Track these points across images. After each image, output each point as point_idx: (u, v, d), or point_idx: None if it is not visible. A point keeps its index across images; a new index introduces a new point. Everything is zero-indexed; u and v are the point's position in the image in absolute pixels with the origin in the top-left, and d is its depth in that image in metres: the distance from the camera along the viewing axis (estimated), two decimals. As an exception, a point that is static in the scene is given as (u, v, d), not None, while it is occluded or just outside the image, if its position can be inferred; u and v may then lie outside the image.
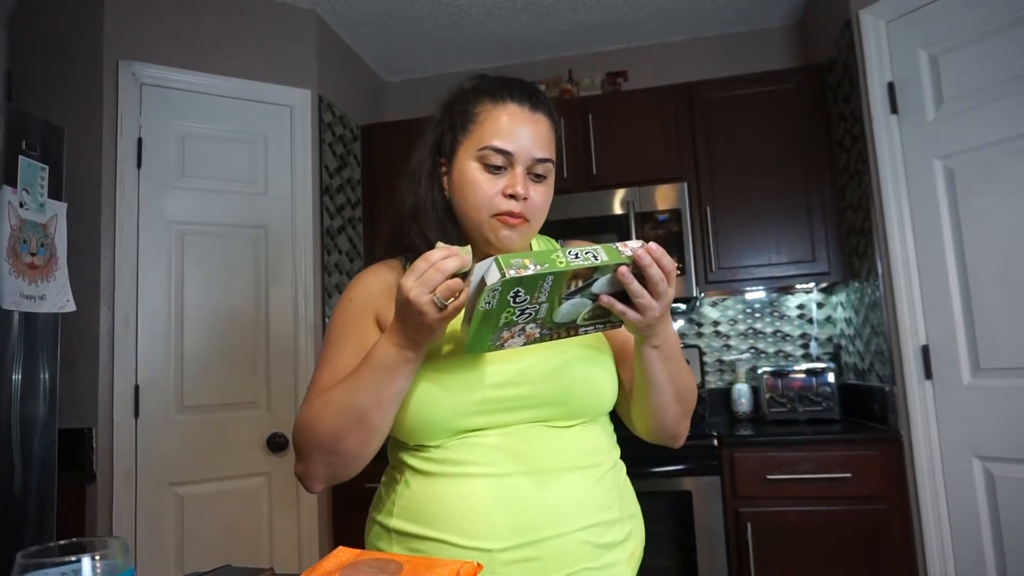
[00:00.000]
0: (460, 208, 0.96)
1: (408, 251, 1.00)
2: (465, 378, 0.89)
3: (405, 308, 0.78)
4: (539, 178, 0.95)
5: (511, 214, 0.92)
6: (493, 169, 0.93)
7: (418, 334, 0.81)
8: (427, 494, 0.89)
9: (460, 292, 0.77)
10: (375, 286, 0.98)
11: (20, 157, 1.70)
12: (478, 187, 0.93)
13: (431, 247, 0.81)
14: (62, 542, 0.53)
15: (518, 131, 0.93)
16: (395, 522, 0.91)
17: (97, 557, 0.53)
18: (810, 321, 2.84)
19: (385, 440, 0.92)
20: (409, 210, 0.99)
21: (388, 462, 1.00)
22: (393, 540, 0.91)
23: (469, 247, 0.80)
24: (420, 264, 0.77)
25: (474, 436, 0.89)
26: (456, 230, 0.98)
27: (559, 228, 2.85)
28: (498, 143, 0.92)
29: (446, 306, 0.76)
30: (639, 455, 2.24)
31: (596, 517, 0.89)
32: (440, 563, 0.69)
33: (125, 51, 2.26)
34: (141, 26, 2.30)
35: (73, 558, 0.52)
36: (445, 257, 0.76)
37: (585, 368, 0.93)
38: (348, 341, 0.94)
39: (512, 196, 0.92)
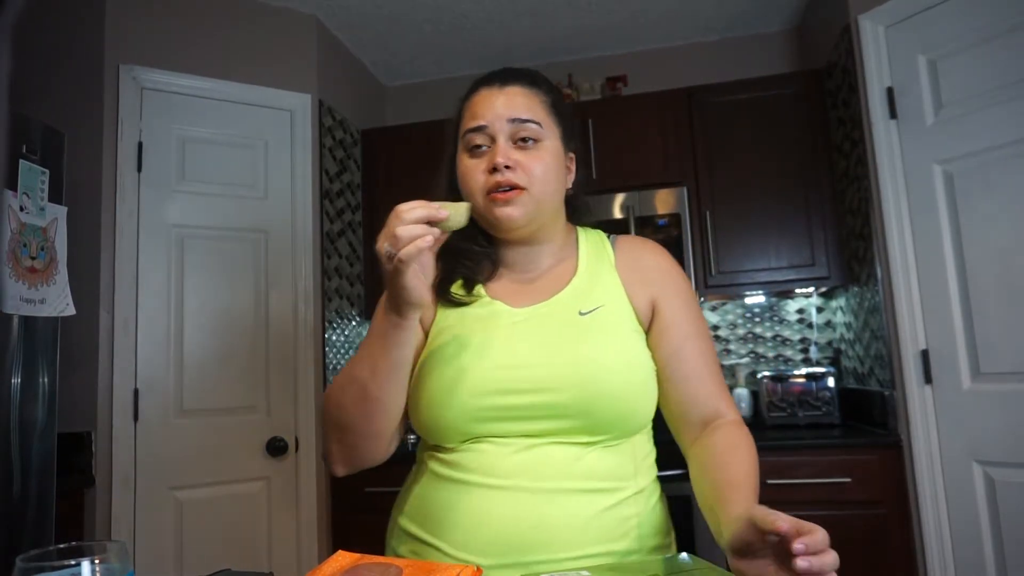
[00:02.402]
0: (466, 197, 0.95)
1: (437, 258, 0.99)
2: (479, 382, 0.85)
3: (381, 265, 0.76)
4: (526, 142, 0.91)
5: (498, 186, 0.88)
6: (477, 151, 0.92)
7: (392, 292, 0.77)
8: (432, 497, 0.87)
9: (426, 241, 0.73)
10: None
11: (20, 161, 1.70)
12: (467, 173, 0.92)
13: (456, 251, 0.92)
14: (61, 546, 0.53)
15: (489, 105, 0.93)
16: (404, 521, 0.91)
17: (96, 561, 0.53)
18: (810, 326, 2.84)
19: (404, 432, 0.94)
20: None
21: (415, 461, 0.98)
22: (402, 539, 0.90)
23: (466, 204, 0.81)
24: (390, 216, 0.75)
25: (490, 443, 0.85)
26: (478, 230, 0.96)
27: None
28: (472, 123, 0.93)
29: (394, 254, 0.73)
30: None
31: (602, 547, 0.82)
32: (440, 567, 0.69)
33: (126, 55, 2.26)
34: (142, 30, 2.30)
35: (72, 562, 0.52)
36: (412, 208, 0.74)
37: (618, 381, 0.85)
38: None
39: (495, 170, 0.89)
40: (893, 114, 2.13)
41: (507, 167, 0.88)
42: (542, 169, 0.91)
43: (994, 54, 1.88)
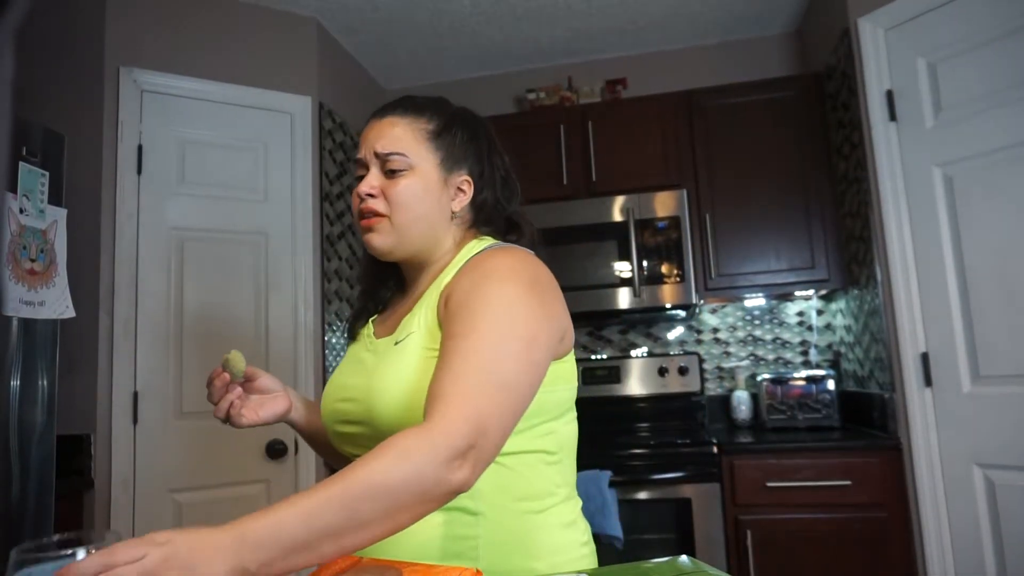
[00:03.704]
0: None
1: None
2: (329, 389, 1.00)
3: None
4: (393, 173, 0.95)
5: (361, 214, 0.96)
6: (359, 182, 0.98)
7: None
8: None
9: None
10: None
11: (21, 163, 1.70)
12: (353, 200, 0.99)
13: (364, 291, 1.09)
14: (57, 537, 0.53)
15: (365, 137, 0.99)
16: None
17: (93, 551, 0.53)
18: (809, 328, 2.84)
19: None
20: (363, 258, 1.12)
21: None
22: None
23: (236, 351, 1.03)
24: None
25: (352, 456, 0.95)
26: (390, 270, 1.08)
27: (560, 235, 2.85)
28: (356, 154, 1.00)
29: (224, 422, 1.02)
30: (639, 462, 2.24)
31: (446, 563, 0.81)
32: (440, 570, 0.69)
33: (126, 58, 2.27)
34: (142, 33, 2.31)
35: (69, 551, 0.52)
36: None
37: (393, 391, 0.85)
38: None
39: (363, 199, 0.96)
40: (893, 117, 2.13)
41: (369, 194, 0.95)
42: (404, 197, 0.94)
43: (993, 57, 1.89)
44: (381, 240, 0.95)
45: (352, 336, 1.08)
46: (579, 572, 0.79)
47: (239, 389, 1.02)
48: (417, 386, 0.84)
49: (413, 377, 0.85)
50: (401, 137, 0.96)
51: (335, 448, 1.03)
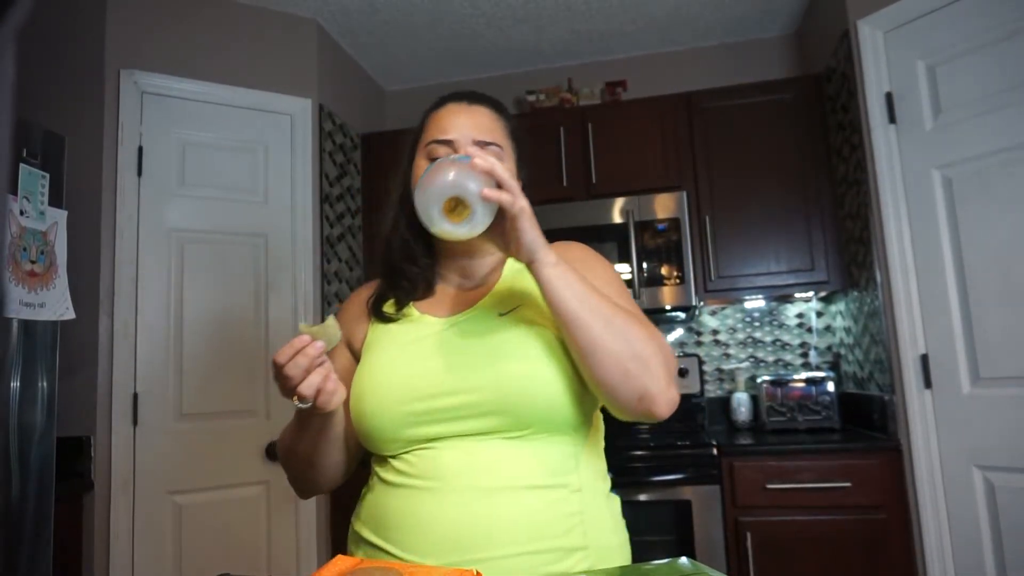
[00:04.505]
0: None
1: (382, 276, 1.05)
2: (403, 390, 0.89)
3: None
4: None
5: None
6: (416, 161, 0.99)
7: (314, 412, 0.86)
8: (381, 503, 0.90)
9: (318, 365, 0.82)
10: (351, 311, 1.06)
11: (21, 165, 1.70)
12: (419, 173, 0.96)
13: (397, 271, 0.99)
14: None
15: (456, 121, 0.97)
16: (359, 526, 0.94)
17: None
18: (809, 330, 2.84)
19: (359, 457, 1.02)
20: (385, 237, 1.05)
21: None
22: (359, 545, 0.93)
23: (331, 318, 0.86)
24: (274, 370, 0.82)
25: (430, 447, 0.88)
26: (422, 247, 1.01)
27: (560, 236, 2.85)
28: (439, 135, 0.96)
29: (306, 405, 0.82)
30: (639, 464, 2.24)
31: (545, 543, 0.83)
32: (440, 572, 0.69)
33: (126, 60, 2.27)
34: (142, 35, 2.31)
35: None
36: (295, 363, 0.80)
37: (530, 376, 0.86)
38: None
39: None
40: (892, 119, 2.13)
41: None
42: None
43: (993, 59, 1.89)
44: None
45: (378, 316, 1.00)
46: (580, 573, 0.80)
47: (328, 362, 0.84)
48: (549, 353, 0.87)
49: (546, 344, 0.88)
50: (495, 129, 0.99)
51: (346, 459, 0.99)
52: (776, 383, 2.53)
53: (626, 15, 2.80)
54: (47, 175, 1.79)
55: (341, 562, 0.73)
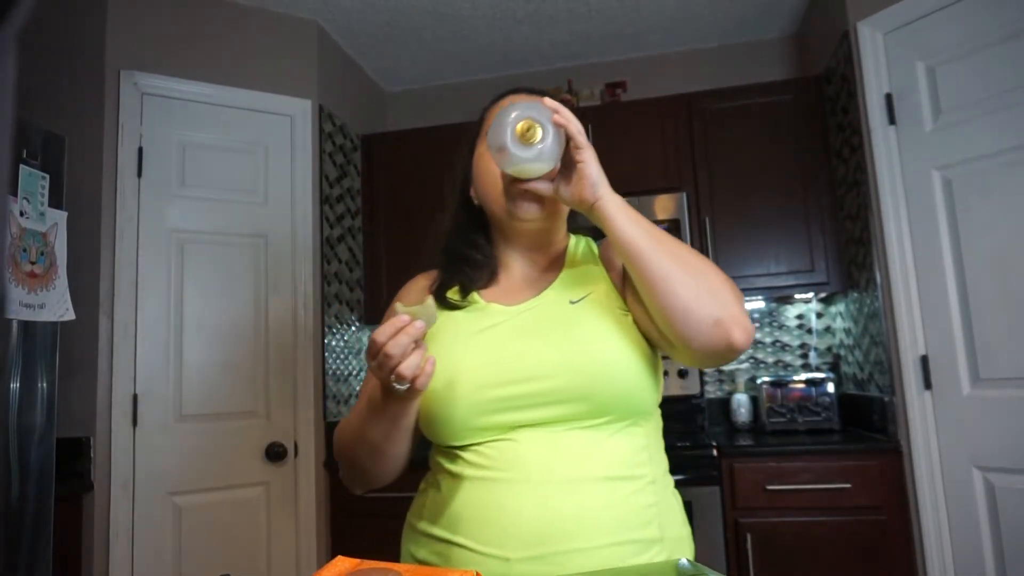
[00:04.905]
0: (483, 202, 1.00)
1: (445, 264, 1.05)
2: (480, 376, 0.87)
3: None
4: None
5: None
6: (473, 155, 0.99)
7: (403, 397, 0.83)
8: (454, 498, 0.88)
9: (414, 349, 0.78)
10: (409, 298, 1.05)
11: (21, 165, 1.71)
12: (489, 170, 0.96)
13: (461, 258, 1.00)
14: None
15: None
16: (424, 525, 0.92)
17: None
18: (809, 331, 2.84)
19: (414, 453, 0.97)
20: (449, 224, 1.06)
21: (429, 468, 1.00)
22: (421, 542, 0.92)
23: (430, 299, 0.82)
24: (373, 348, 0.78)
25: (504, 439, 0.86)
26: (483, 237, 1.03)
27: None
28: None
29: (404, 387, 0.78)
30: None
31: (627, 534, 0.83)
32: (440, 573, 0.69)
33: (127, 61, 2.27)
34: (143, 36, 2.31)
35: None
36: (395, 342, 0.76)
37: (610, 360, 0.86)
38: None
39: None
40: (892, 120, 2.14)
41: None
42: None
43: (992, 61, 1.89)
44: (536, 210, 0.94)
45: (443, 303, 0.99)
46: (582, 574, 0.80)
47: (425, 344, 0.80)
48: (627, 339, 0.88)
49: (623, 330, 0.89)
50: None
51: (409, 451, 0.95)
52: (776, 384, 2.53)
53: (626, 16, 2.80)
54: (47, 176, 1.79)
55: (341, 563, 0.73)
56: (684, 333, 0.82)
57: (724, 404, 2.84)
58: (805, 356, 2.84)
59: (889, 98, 2.14)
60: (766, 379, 2.55)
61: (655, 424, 0.95)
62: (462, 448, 0.89)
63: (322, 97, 2.67)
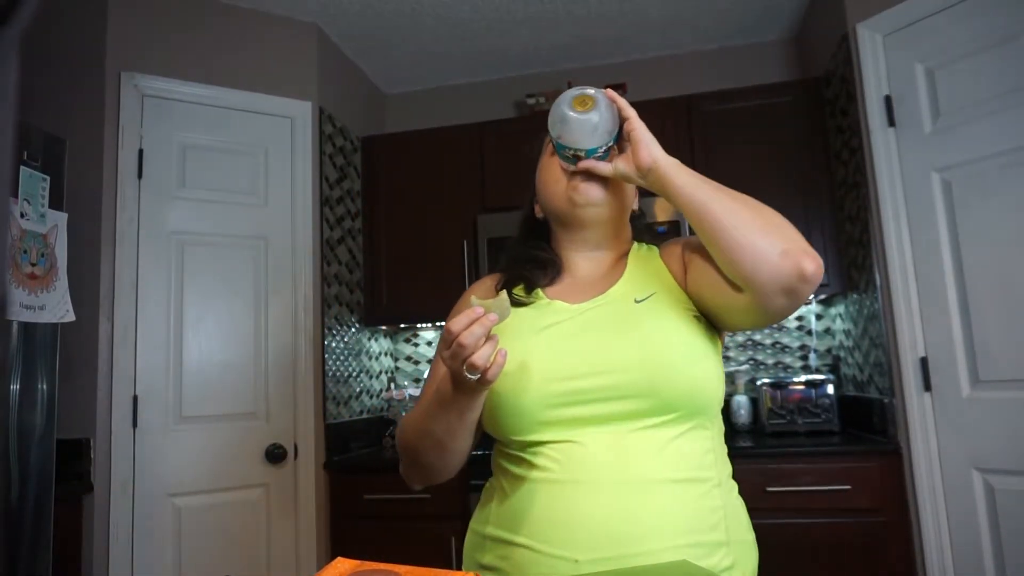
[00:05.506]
0: (547, 204, 1.03)
1: (510, 261, 1.09)
2: (548, 368, 0.88)
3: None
4: None
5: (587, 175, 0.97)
6: (541, 152, 1.04)
7: (474, 388, 0.82)
8: (520, 500, 0.89)
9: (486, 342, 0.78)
10: (479, 294, 1.07)
11: (21, 167, 1.71)
12: (551, 171, 1.00)
13: (526, 256, 1.04)
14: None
15: None
16: (490, 529, 0.92)
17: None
18: (809, 333, 2.84)
19: (474, 452, 0.98)
20: (510, 244, 1.13)
21: (491, 472, 1.00)
22: (487, 548, 0.92)
23: (503, 294, 0.81)
24: (448, 338, 0.78)
25: (569, 441, 0.87)
26: (548, 237, 1.08)
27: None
28: None
29: (475, 377, 0.78)
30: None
31: (695, 537, 0.83)
32: (440, 573, 0.69)
33: (127, 63, 2.27)
34: (143, 38, 2.32)
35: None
36: (470, 332, 0.76)
37: (678, 356, 0.87)
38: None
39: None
40: (891, 122, 2.14)
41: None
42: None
43: (991, 63, 1.89)
44: (601, 193, 0.97)
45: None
46: (595, 573, 0.80)
47: (497, 337, 0.80)
48: (694, 336, 0.89)
49: (689, 328, 0.90)
50: None
51: (470, 448, 0.94)
52: (776, 386, 2.53)
53: (626, 18, 2.81)
54: (48, 178, 1.79)
55: (341, 564, 0.73)
56: (753, 268, 0.81)
57: (724, 405, 2.83)
58: (805, 358, 2.84)
59: (888, 100, 2.15)
60: (766, 381, 2.55)
61: (719, 428, 0.96)
62: (526, 450, 0.89)
63: (322, 99, 2.68)
